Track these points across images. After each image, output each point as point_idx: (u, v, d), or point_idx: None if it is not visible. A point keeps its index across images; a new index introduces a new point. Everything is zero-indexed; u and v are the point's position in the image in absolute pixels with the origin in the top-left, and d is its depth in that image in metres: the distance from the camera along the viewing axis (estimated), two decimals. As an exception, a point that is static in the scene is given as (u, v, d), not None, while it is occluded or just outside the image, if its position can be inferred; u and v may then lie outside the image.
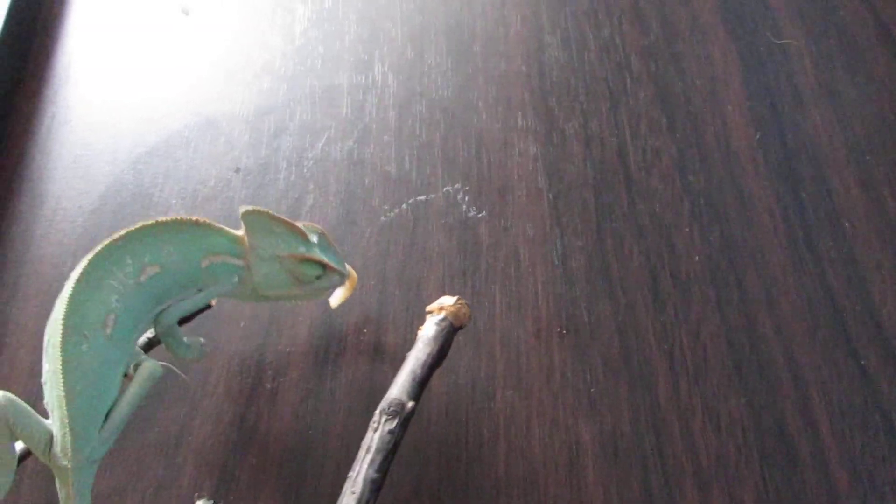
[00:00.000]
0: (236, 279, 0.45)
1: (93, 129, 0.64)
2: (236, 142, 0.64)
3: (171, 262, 0.42)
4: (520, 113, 0.63)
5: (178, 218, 0.42)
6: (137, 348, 0.44)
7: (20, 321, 0.53)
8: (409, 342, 0.44)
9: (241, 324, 0.55)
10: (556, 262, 0.55)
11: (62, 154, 0.62)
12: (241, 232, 0.45)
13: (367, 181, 0.61)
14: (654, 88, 0.63)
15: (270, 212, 0.44)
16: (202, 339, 0.46)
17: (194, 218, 0.43)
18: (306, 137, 0.64)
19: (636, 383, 0.50)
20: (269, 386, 0.51)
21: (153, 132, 0.64)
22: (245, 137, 0.64)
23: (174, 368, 0.45)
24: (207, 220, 0.43)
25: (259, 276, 0.45)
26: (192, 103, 0.66)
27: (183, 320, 0.45)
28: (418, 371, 0.40)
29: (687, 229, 0.56)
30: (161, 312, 0.43)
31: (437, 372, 0.42)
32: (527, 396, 0.50)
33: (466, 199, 0.59)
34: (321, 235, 0.47)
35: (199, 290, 0.44)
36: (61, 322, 0.37)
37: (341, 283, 0.48)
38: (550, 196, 0.59)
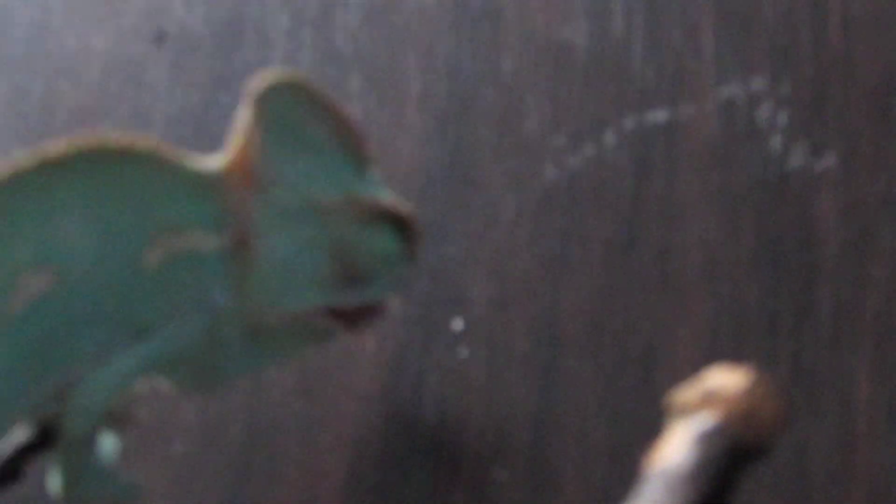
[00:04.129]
0: (221, 295, 0.47)
1: None
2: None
3: (82, 257, 0.44)
4: None
5: (91, 145, 0.44)
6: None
7: None
8: (621, 491, 0.46)
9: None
10: None
11: None
12: (217, 163, 0.47)
13: (508, 68, 0.62)
14: None
15: (311, 85, 0.47)
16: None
17: (124, 141, 0.45)
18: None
19: None
20: None
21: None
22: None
23: None
24: (153, 143, 0.45)
25: (274, 267, 0.48)
26: None
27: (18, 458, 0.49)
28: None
29: None
30: (75, 391, 0.45)
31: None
32: None
33: (783, 118, 0.59)
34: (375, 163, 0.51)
35: (141, 333, 0.46)
36: None
37: (396, 289, 0.52)
38: None
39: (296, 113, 0.48)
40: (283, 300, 0.48)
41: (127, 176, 0.45)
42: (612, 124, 0.60)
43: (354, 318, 0.51)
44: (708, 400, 0.38)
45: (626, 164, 0.59)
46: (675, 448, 0.38)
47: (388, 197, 0.49)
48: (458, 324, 0.58)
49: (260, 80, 0.46)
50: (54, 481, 0.46)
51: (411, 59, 0.63)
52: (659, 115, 0.60)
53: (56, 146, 0.43)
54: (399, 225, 0.49)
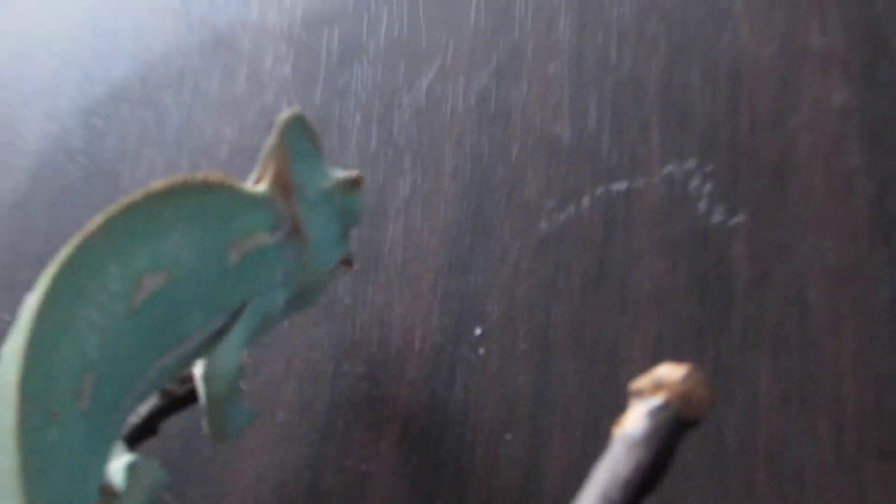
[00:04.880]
0: (285, 273, 0.55)
1: (12, 58, 0.70)
2: (269, 76, 0.70)
3: (184, 261, 0.49)
4: (816, 21, 0.63)
5: (182, 181, 0.49)
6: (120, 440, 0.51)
7: None
8: (594, 451, 0.46)
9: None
10: (884, 316, 0.57)
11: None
12: (263, 184, 0.53)
13: (514, 152, 0.67)
14: None
15: (303, 114, 0.54)
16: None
17: (202, 176, 0.49)
18: (399, 68, 0.70)
19: None
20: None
21: (119, 61, 0.69)
22: (285, 68, 0.70)
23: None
24: (222, 177, 0.51)
25: (316, 242, 0.55)
26: (191, 6, 0.71)
27: (143, 432, 0.55)
28: (616, 496, 0.41)
29: None
30: (206, 366, 0.50)
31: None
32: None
33: (708, 188, 0.62)
34: None
35: (232, 312, 0.52)
36: (15, 393, 0.39)
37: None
38: (872, 187, 0.59)
39: (301, 135, 0.54)
40: (324, 263, 0.56)
41: (209, 200, 0.50)
42: (587, 192, 0.65)
43: (346, 262, 0.59)
44: (657, 386, 0.42)
45: (598, 221, 0.65)
46: (633, 420, 0.42)
47: (344, 171, 0.57)
48: (478, 331, 0.65)
49: (280, 118, 0.53)
50: (212, 413, 0.52)
51: (447, 146, 0.70)
52: (620, 186, 0.65)
53: (158, 183, 0.48)
54: (357, 187, 0.57)
